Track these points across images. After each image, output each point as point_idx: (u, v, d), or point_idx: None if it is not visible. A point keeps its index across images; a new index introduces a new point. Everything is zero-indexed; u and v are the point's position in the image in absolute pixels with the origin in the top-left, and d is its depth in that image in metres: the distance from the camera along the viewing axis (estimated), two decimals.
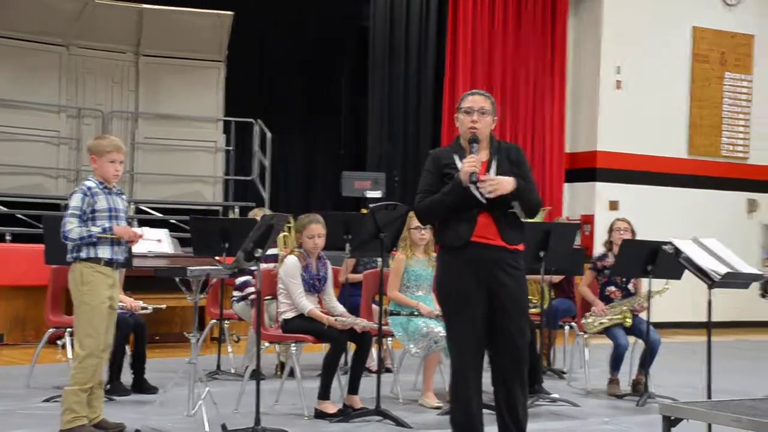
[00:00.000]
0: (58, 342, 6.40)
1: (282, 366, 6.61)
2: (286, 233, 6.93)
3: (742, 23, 13.42)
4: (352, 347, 5.64)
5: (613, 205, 12.41)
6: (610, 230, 6.70)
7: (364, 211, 9.69)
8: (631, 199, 12.45)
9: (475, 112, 4.13)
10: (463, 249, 4.05)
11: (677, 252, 4.66)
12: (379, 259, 5.63)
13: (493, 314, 4.07)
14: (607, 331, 6.46)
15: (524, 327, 4.16)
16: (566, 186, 12.75)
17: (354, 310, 6.17)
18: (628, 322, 6.43)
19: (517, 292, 4.11)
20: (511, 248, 4.11)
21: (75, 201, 4.65)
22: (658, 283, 6.22)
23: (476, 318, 4.05)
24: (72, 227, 4.60)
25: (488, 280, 4.06)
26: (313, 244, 5.61)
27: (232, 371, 6.88)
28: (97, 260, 4.65)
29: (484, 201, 4.05)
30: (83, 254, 4.64)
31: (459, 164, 4.09)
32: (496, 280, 4.06)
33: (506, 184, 4.02)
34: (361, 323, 5.45)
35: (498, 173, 4.10)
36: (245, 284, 6.96)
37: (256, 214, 7.18)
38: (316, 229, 5.61)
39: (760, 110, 13.43)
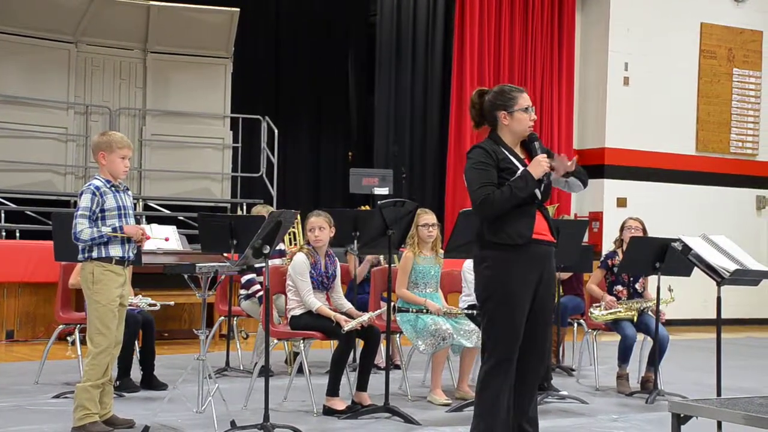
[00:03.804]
0: (68, 338, 6.41)
1: (294, 356, 6.46)
2: (295, 229, 6.92)
3: (750, 19, 13.38)
4: (360, 344, 5.64)
5: (622, 202, 12.39)
6: (622, 228, 6.61)
7: (363, 207, 9.67)
8: (640, 196, 12.42)
9: (531, 110, 4.10)
10: (525, 246, 3.95)
11: (686, 249, 4.64)
12: (382, 257, 5.61)
13: (532, 311, 3.99)
14: (613, 324, 6.43)
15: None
16: None
17: (362, 308, 6.16)
18: (635, 319, 6.40)
19: (554, 288, 4.12)
20: (555, 243, 4.12)
21: (84, 201, 4.65)
22: (665, 281, 6.19)
23: (524, 317, 3.97)
24: (83, 228, 4.61)
25: (539, 276, 4.00)
26: (314, 237, 5.61)
27: (241, 368, 6.88)
28: (108, 259, 4.67)
29: (539, 197, 4.03)
30: (94, 254, 4.66)
31: (514, 161, 4.03)
32: (541, 278, 4.01)
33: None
34: (365, 317, 5.44)
35: None
36: (250, 282, 6.97)
37: (259, 211, 7.18)
38: (316, 222, 5.62)
39: None
